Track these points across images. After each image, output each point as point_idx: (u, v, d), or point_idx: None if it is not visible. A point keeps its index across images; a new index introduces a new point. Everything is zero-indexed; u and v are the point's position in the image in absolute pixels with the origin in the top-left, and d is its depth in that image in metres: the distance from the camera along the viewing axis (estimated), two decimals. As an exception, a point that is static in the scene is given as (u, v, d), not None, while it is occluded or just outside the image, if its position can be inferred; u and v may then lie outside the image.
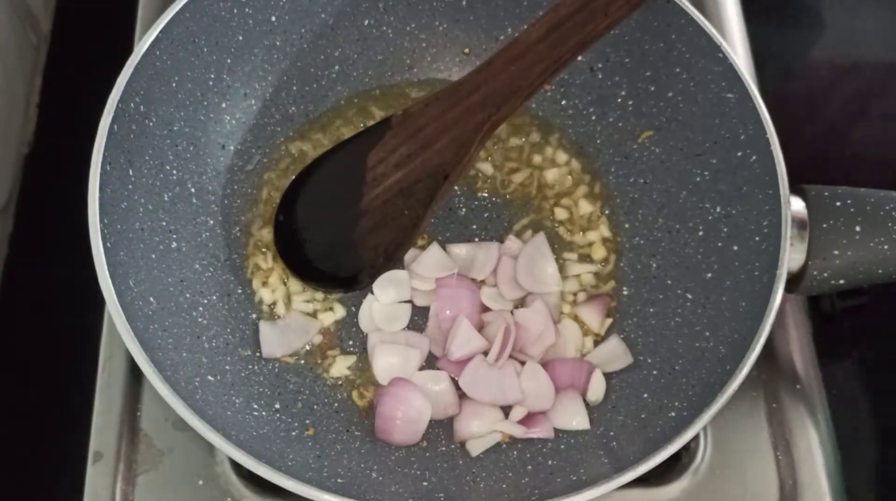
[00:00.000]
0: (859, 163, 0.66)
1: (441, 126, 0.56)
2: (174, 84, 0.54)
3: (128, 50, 0.52)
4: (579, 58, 0.56)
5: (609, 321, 0.59)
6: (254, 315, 0.58)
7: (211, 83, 0.57)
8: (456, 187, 0.62)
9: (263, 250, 0.59)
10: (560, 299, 0.59)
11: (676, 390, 0.52)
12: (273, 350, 0.56)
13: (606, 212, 0.61)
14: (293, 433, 0.53)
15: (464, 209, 0.62)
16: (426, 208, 0.58)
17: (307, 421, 0.54)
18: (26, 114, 0.74)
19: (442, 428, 0.56)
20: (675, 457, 0.54)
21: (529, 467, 0.53)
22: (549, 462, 0.53)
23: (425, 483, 0.52)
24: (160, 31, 0.52)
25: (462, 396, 0.56)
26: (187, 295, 0.54)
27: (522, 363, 0.56)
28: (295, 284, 0.59)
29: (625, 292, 0.59)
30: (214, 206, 0.58)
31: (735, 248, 0.54)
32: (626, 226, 0.61)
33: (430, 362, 0.57)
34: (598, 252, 0.60)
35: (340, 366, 0.57)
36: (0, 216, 0.69)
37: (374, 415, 0.54)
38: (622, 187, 0.61)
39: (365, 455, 0.53)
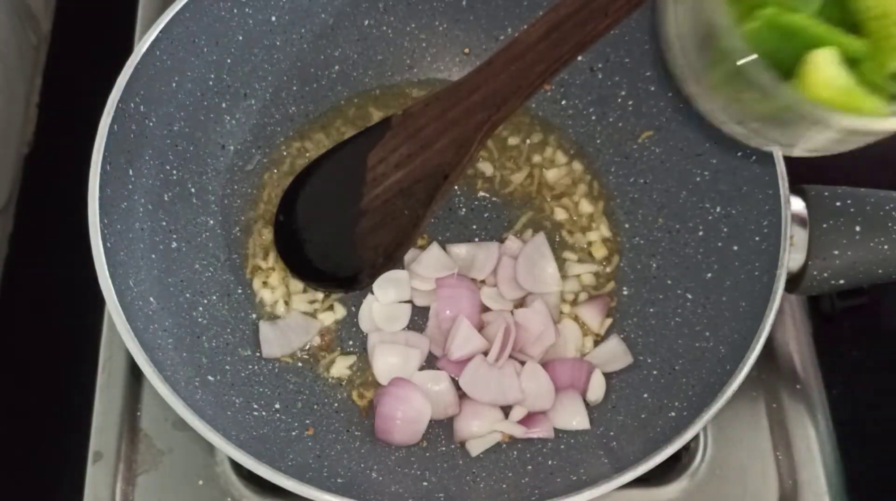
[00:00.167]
0: (859, 163, 0.66)
1: (441, 126, 0.56)
2: (174, 84, 0.54)
3: (128, 50, 0.52)
4: (579, 58, 0.56)
5: (609, 321, 0.59)
6: (254, 315, 0.58)
7: (211, 83, 0.57)
8: (456, 187, 0.62)
9: (263, 250, 0.59)
10: (560, 299, 0.59)
11: (676, 390, 0.52)
12: (273, 350, 0.56)
13: (606, 212, 0.61)
14: (293, 433, 0.53)
15: (464, 209, 0.62)
16: (426, 208, 0.58)
17: (307, 421, 0.54)
18: (26, 114, 0.74)
19: (442, 428, 0.56)
20: (675, 457, 0.54)
21: (529, 467, 0.53)
22: (549, 462, 0.53)
23: (425, 483, 0.52)
24: (160, 31, 0.52)
25: (462, 396, 0.56)
26: (187, 295, 0.54)
27: (522, 363, 0.56)
28: (295, 284, 0.59)
29: (625, 292, 0.59)
30: (214, 206, 0.58)
31: (735, 248, 0.54)
32: (626, 226, 0.61)
33: (430, 362, 0.57)
34: (598, 252, 0.60)
35: (340, 366, 0.57)
36: (0, 216, 0.69)
37: (374, 415, 0.54)
38: (622, 187, 0.61)
39: (365, 455, 0.53)
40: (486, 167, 0.63)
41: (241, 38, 0.57)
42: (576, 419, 0.55)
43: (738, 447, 0.58)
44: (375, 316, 0.58)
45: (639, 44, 0.59)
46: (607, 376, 0.56)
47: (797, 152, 0.37)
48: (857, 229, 0.51)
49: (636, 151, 0.61)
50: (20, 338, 0.66)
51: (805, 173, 0.54)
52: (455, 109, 0.55)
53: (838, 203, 0.52)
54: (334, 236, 0.58)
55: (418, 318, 0.58)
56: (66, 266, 0.64)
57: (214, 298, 0.56)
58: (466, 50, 0.64)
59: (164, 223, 0.54)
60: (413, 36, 0.63)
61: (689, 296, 0.56)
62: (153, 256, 0.53)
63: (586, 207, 0.61)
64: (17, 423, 0.63)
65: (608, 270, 0.60)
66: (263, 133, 0.61)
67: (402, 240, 0.58)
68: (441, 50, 0.64)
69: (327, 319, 0.58)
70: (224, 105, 0.58)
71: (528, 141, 0.64)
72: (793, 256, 0.51)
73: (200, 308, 0.55)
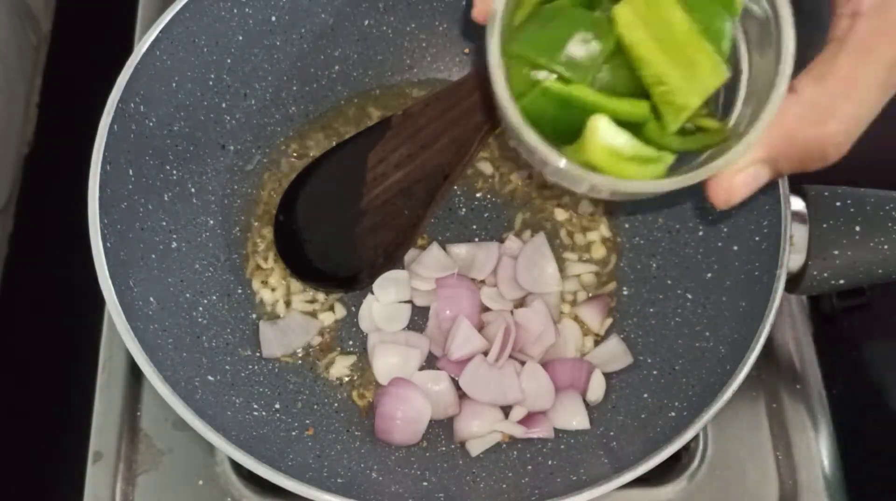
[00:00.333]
0: (859, 163, 0.66)
1: (441, 126, 0.56)
2: (174, 84, 0.54)
3: (128, 50, 0.52)
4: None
5: (609, 321, 0.59)
6: (254, 315, 0.58)
7: (211, 83, 0.57)
8: (456, 187, 0.62)
9: (263, 250, 0.59)
10: (560, 299, 0.59)
11: (676, 390, 0.52)
12: (273, 350, 0.56)
13: (606, 212, 0.61)
14: (293, 433, 0.53)
15: (464, 209, 0.62)
16: (426, 208, 0.58)
17: (307, 421, 0.54)
18: (26, 114, 0.74)
19: (442, 428, 0.56)
20: (675, 457, 0.54)
21: (529, 467, 0.53)
22: (549, 462, 0.53)
23: (425, 483, 0.52)
24: (160, 31, 0.52)
25: (462, 396, 0.56)
26: (187, 295, 0.54)
27: (522, 363, 0.56)
28: (295, 284, 0.59)
29: (625, 292, 0.59)
30: (214, 206, 0.58)
31: (735, 248, 0.54)
32: (626, 226, 0.61)
33: (430, 362, 0.57)
34: (598, 252, 0.60)
35: (340, 366, 0.57)
36: (0, 216, 0.69)
37: (374, 415, 0.54)
38: (622, 187, 0.61)
39: (365, 455, 0.53)
40: (486, 167, 0.63)
41: (241, 38, 0.57)
42: (576, 419, 0.55)
43: (738, 447, 0.58)
44: (375, 316, 0.58)
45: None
46: (607, 376, 0.56)
47: (601, 197, 0.39)
48: (857, 229, 0.51)
49: (636, 151, 0.61)
50: (20, 338, 0.66)
51: (805, 173, 0.54)
52: (455, 109, 0.55)
53: (838, 203, 0.52)
54: (334, 236, 0.58)
55: (418, 318, 0.58)
56: (66, 266, 0.64)
57: (214, 298, 0.56)
58: (466, 50, 0.64)
59: (164, 223, 0.54)
60: (413, 36, 0.63)
61: (689, 296, 0.56)
62: (153, 256, 0.53)
63: (586, 207, 0.61)
64: (17, 423, 0.63)
65: (608, 270, 0.60)
66: (263, 133, 0.61)
67: (402, 240, 0.58)
68: (441, 50, 0.64)
69: (327, 319, 0.58)
70: (224, 105, 0.58)
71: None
72: (793, 256, 0.51)
73: (200, 308, 0.55)
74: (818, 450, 0.58)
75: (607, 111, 0.35)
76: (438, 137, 0.56)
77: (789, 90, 0.35)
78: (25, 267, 0.68)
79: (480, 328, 0.57)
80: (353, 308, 0.59)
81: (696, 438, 0.57)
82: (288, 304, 0.58)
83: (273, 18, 0.58)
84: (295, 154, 0.62)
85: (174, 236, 0.55)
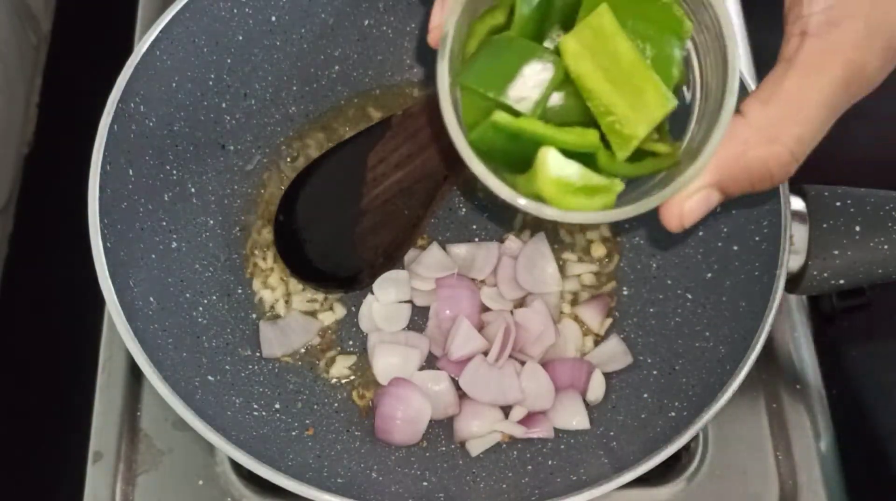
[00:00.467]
0: (859, 163, 0.66)
1: (441, 126, 0.55)
2: (174, 84, 0.54)
3: (128, 50, 0.52)
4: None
5: (609, 321, 0.59)
6: (254, 315, 0.58)
7: (211, 83, 0.57)
8: (456, 187, 0.62)
9: (263, 250, 0.59)
10: (560, 299, 0.59)
11: (676, 390, 0.52)
12: (273, 350, 0.56)
13: (606, 212, 0.61)
14: (293, 433, 0.53)
15: (464, 209, 0.62)
16: (426, 208, 0.58)
17: (307, 421, 0.54)
18: (26, 114, 0.74)
19: (442, 428, 0.56)
20: (675, 457, 0.54)
21: (529, 467, 0.53)
22: (549, 462, 0.53)
23: (425, 483, 0.52)
24: (160, 31, 0.52)
25: (462, 396, 0.56)
26: (187, 295, 0.54)
27: (522, 363, 0.56)
28: (295, 284, 0.59)
29: (625, 292, 0.59)
30: (214, 206, 0.58)
31: (735, 248, 0.54)
32: (626, 226, 0.61)
33: (430, 362, 0.57)
34: (598, 252, 0.60)
35: (340, 366, 0.57)
36: (0, 216, 0.69)
37: (374, 415, 0.55)
38: (622, 187, 0.61)
39: (365, 455, 0.53)
40: (486, 167, 0.63)
41: (241, 38, 0.57)
42: (576, 419, 0.55)
43: (738, 447, 0.58)
44: (375, 316, 0.58)
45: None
46: (607, 376, 0.56)
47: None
48: (857, 229, 0.51)
49: (636, 151, 0.61)
50: (20, 338, 0.66)
51: (805, 173, 0.54)
52: (455, 109, 0.55)
53: (838, 203, 0.52)
54: (334, 236, 0.58)
55: (418, 318, 0.58)
56: (66, 266, 0.64)
57: (214, 298, 0.56)
58: (466, 50, 0.64)
59: (164, 223, 0.54)
60: (413, 36, 0.63)
61: (689, 296, 0.56)
62: (153, 256, 0.53)
63: (586, 207, 0.61)
64: (17, 423, 0.63)
65: (608, 269, 0.60)
66: (263, 133, 0.61)
67: (402, 240, 0.58)
68: (441, 50, 0.64)
69: (327, 319, 0.58)
70: (224, 105, 0.58)
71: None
72: (793, 256, 0.51)
73: (200, 308, 0.55)
74: (818, 450, 0.58)
75: (557, 143, 0.36)
76: (439, 137, 0.56)
77: (737, 113, 0.36)
78: (25, 267, 0.68)
79: (480, 328, 0.57)
80: (353, 308, 0.59)
81: (695, 438, 0.57)
82: (288, 304, 0.58)
83: (273, 18, 0.58)
84: (295, 154, 0.62)
85: (174, 236, 0.55)
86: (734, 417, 0.58)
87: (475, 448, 0.54)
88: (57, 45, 0.77)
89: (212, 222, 0.58)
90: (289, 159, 0.62)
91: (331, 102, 0.63)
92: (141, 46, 0.52)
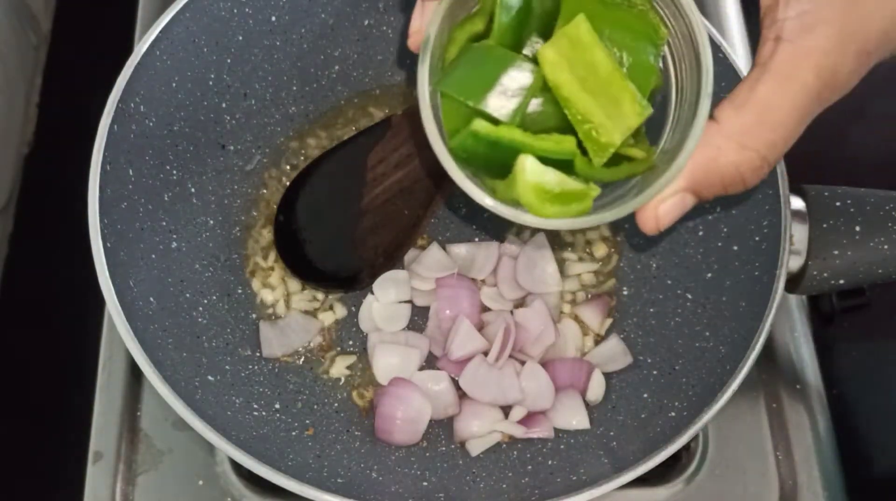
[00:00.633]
0: (859, 163, 0.66)
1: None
2: (174, 84, 0.54)
3: (128, 50, 0.52)
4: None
5: (609, 320, 0.59)
6: (254, 315, 0.58)
7: (211, 83, 0.57)
8: (456, 187, 0.62)
9: (263, 250, 0.59)
10: (560, 299, 0.59)
11: (676, 390, 0.52)
12: (273, 350, 0.56)
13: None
14: (293, 433, 0.53)
15: (464, 209, 0.62)
16: (426, 208, 0.58)
17: (307, 421, 0.54)
18: (26, 114, 0.74)
19: (442, 428, 0.56)
20: (675, 457, 0.54)
21: (529, 467, 0.53)
22: (549, 462, 0.53)
23: (425, 483, 0.52)
24: (160, 31, 0.52)
25: (462, 396, 0.56)
26: (187, 295, 0.54)
27: (522, 363, 0.56)
28: (295, 284, 0.59)
29: (625, 292, 0.59)
30: (214, 206, 0.58)
31: (735, 248, 0.54)
32: (626, 226, 0.61)
33: (430, 362, 0.57)
34: (598, 251, 0.60)
35: (340, 366, 0.57)
36: (0, 216, 0.69)
37: (374, 415, 0.55)
38: (622, 187, 0.61)
39: (365, 455, 0.53)
40: (486, 167, 0.63)
41: (241, 38, 0.57)
42: (576, 418, 0.55)
43: (738, 447, 0.58)
44: (375, 316, 0.58)
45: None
46: (607, 376, 0.56)
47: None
48: (857, 229, 0.51)
49: (636, 151, 0.61)
50: (20, 338, 0.66)
51: (805, 173, 0.54)
52: (455, 109, 0.55)
53: (838, 203, 0.52)
54: (334, 236, 0.58)
55: (418, 318, 0.58)
56: (66, 266, 0.64)
57: (214, 298, 0.56)
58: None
59: (164, 223, 0.54)
60: (413, 36, 0.63)
61: (689, 296, 0.56)
62: (153, 256, 0.53)
63: (586, 207, 0.61)
64: (17, 423, 0.63)
65: (608, 269, 0.60)
66: (263, 133, 0.61)
67: (402, 240, 0.58)
68: (441, 50, 0.64)
69: (327, 319, 0.58)
70: (224, 105, 0.58)
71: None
72: (793, 256, 0.51)
73: (200, 308, 0.55)
74: (818, 450, 0.58)
75: (535, 151, 0.36)
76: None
77: (711, 118, 0.37)
78: (25, 267, 0.68)
79: (480, 328, 0.57)
80: (353, 308, 0.59)
81: (695, 438, 0.57)
82: (288, 304, 0.58)
83: (273, 18, 0.58)
84: (295, 154, 0.62)
85: (174, 236, 0.55)
86: (734, 417, 0.58)
87: (475, 448, 0.54)
88: (57, 45, 0.77)
89: (212, 222, 0.58)
90: (289, 159, 0.62)
91: (331, 102, 0.63)
92: (141, 46, 0.52)
